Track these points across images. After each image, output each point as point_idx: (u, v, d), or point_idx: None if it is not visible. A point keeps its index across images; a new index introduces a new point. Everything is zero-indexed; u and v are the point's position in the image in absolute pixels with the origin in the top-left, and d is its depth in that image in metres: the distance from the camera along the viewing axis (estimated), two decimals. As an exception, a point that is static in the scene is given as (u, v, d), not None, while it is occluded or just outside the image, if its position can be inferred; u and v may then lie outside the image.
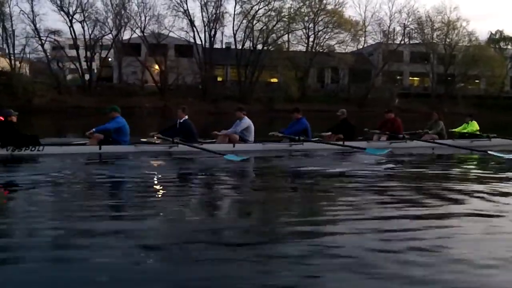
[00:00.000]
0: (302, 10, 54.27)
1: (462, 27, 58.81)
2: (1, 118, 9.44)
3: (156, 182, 7.40)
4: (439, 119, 13.56)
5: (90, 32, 50.78)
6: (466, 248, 3.80)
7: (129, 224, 4.63)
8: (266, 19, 52.83)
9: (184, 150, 10.30)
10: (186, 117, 11.06)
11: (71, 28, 49.92)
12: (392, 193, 6.42)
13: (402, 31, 58.75)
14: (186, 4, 51.96)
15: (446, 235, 4.27)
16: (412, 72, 62.47)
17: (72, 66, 52.57)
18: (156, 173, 8.32)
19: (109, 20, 51.49)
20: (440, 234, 4.26)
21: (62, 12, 49.71)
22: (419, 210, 5.34)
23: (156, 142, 11.03)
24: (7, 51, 48.67)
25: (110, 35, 52.08)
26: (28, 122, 20.25)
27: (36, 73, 52.78)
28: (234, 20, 53.47)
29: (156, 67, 51.90)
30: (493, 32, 66.16)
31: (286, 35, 55.47)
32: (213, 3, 51.83)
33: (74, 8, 49.78)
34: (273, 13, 52.68)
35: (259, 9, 52.68)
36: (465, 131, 14.39)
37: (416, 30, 59.43)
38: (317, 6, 54.01)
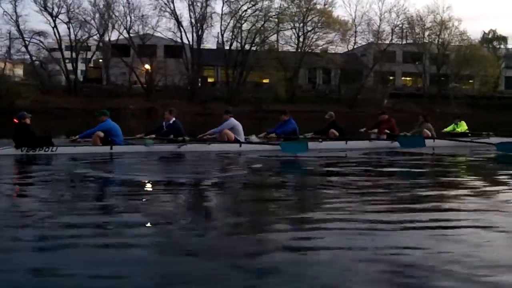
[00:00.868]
0: (291, 10, 54.77)
1: (454, 27, 59.41)
2: (16, 120, 10.08)
3: (162, 181, 7.57)
4: (426, 121, 13.96)
5: (76, 33, 51.14)
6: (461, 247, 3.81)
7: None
8: (254, 19, 53.24)
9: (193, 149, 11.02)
10: (174, 119, 11.44)
11: (54, 29, 50.09)
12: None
13: (393, 30, 59.01)
14: (173, 3, 52.20)
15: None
16: (405, 72, 63.08)
17: (58, 68, 52.55)
18: (160, 173, 8.69)
19: (94, 21, 51.72)
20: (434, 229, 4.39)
21: (45, 13, 49.81)
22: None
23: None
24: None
25: (96, 36, 52.41)
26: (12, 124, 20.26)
27: (29, 75, 52.93)
28: (221, 20, 53.88)
29: (146, 68, 52.14)
30: (486, 32, 67.03)
31: (275, 35, 55.90)
32: (200, 3, 52.29)
33: (58, 9, 49.95)
34: (261, 13, 53.09)
35: (247, 8, 53.11)
36: (455, 131, 14.88)
37: (406, 30, 59.85)
38: (306, 6, 54.39)
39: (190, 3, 52.05)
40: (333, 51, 57.86)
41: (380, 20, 58.23)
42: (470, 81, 63.08)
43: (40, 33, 49.79)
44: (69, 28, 50.62)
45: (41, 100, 43.97)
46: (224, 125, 11.77)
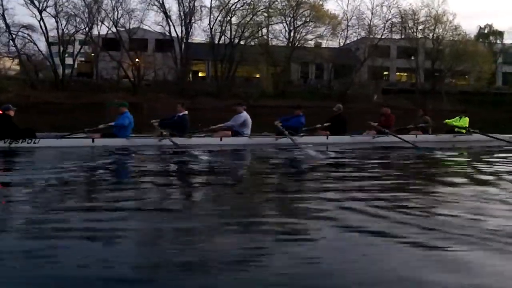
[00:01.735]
0: (281, 3, 55.15)
1: (449, 21, 59.74)
2: (0, 112, 10.43)
3: (141, 173, 7.98)
4: (425, 114, 15.00)
5: (63, 28, 51.33)
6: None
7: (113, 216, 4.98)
8: (244, 13, 53.66)
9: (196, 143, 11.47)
10: (186, 112, 11.99)
11: (40, 22, 50.16)
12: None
13: (385, 25, 59.37)
14: (162, -4, 52.39)
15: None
16: (399, 67, 63.44)
17: (46, 62, 52.61)
18: (143, 165, 9.05)
19: (82, 14, 51.79)
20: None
21: (31, 6, 49.92)
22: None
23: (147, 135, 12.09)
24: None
25: (84, 31, 52.55)
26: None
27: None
28: (210, 14, 54.15)
29: (136, 62, 52.32)
30: (482, 27, 67.19)
31: (265, 29, 56.22)
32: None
33: (45, 3, 50.09)
34: (250, 7, 53.51)
35: (236, 1, 53.47)
36: (456, 124, 15.22)
37: (399, 24, 60.13)
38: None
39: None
40: (328, 46, 58.37)
41: (372, 14, 58.76)
42: (466, 76, 63.20)
43: (28, 27, 49.87)
44: (56, 22, 50.93)
45: (26, 94, 43.97)
46: (238, 119, 12.28)
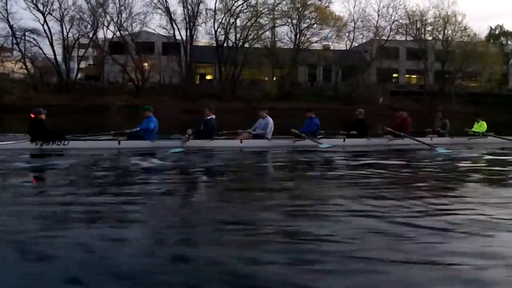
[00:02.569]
0: (285, 6, 55.55)
1: (458, 22, 59.45)
2: (32, 115, 11.14)
3: (164, 174, 8.48)
4: (444, 117, 14.95)
5: (68, 31, 52.22)
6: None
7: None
8: (249, 15, 54.15)
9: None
10: (213, 116, 12.30)
11: (44, 26, 50.97)
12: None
13: (393, 27, 59.39)
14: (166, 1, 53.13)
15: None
16: (409, 69, 63.45)
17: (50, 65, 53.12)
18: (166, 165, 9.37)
19: (87, 18, 52.80)
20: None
21: (35, 10, 50.86)
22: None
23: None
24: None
25: (89, 34, 53.34)
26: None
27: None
28: (215, 16, 54.58)
29: (144, 65, 53.12)
30: (493, 28, 67.05)
31: (269, 32, 56.44)
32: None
33: (49, 6, 51.01)
34: (254, 9, 53.94)
35: (241, 3, 53.95)
36: (477, 130, 15.13)
37: (407, 25, 60.10)
38: (301, 1, 54.93)
39: (183, -1, 52.79)
40: (335, 48, 58.49)
41: (378, 15, 58.78)
42: (476, 78, 62.73)
43: (32, 31, 50.68)
44: (61, 26, 51.85)
45: (28, 96, 44.52)
46: (266, 125, 12.74)
